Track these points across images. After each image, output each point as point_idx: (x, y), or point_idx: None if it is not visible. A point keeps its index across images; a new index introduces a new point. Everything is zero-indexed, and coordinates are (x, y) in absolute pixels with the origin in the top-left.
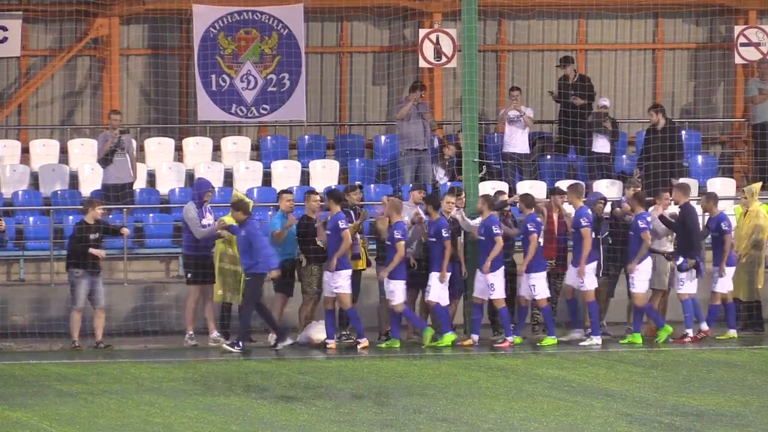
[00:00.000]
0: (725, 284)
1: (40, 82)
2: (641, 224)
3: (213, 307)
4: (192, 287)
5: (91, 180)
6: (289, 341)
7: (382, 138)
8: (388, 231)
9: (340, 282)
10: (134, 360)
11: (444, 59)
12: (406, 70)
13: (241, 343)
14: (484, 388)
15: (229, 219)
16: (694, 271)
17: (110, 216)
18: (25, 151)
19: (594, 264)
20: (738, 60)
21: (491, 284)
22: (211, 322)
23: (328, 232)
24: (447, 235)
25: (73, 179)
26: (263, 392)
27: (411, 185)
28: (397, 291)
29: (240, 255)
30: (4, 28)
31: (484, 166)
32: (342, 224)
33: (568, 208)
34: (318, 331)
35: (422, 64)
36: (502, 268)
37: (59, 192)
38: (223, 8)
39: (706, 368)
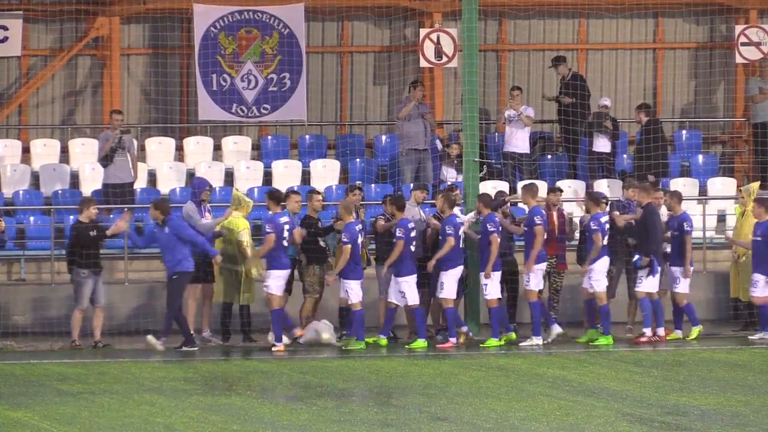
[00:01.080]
0: (687, 285)
1: (40, 81)
2: (593, 225)
3: (210, 307)
4: (191, 286)
5: (92, 179)
6: (195, 348)
7: (383, 138)
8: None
9: (269, 282)
10: (135, 360)
11: (445, 59)
12: (407, 70)
13: (164, 339)
14: (484, 387)
15: (230, 220)
16: (646, 271)
17: (111, 216)
18: (26, 150)
19: (603, 262)
20: (738, 59)
21: (484, 284)
22: (206, 321)
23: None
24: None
25: (74, 179)
26: (264, 392)
27: (412, 185)
28: (354, 291)
29: (163, 255)
30: (5, 28)
31: (484, 166)
32: (268, 228)
33: (568, 208)
34: (319, 331)
35: (423, 63)
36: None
37: (60, 192)
38: (224, 8)
39: (707, 368)
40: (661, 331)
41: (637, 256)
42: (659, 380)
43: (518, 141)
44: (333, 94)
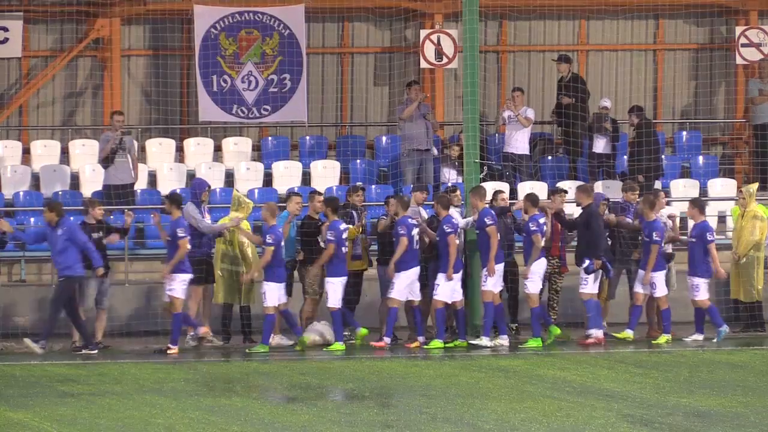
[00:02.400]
0: (645, 287)
1: (41, 82)
2: (532, 227)
3: (210, 307)
4: (192, 288)
5: (92, 181)
6: (94, 352)
7: (384, 139)
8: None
9: (173, 285)
10: (135, 361)
11: (445, 60)
12: (408, 71)
13: (43, 342)
14: (485, 388)
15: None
16: (596, 274)
17: (111, 217)
18: (26, 151)
19: (541, 264)
20: (739, 61)
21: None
22: (205, 321)
23: (169, 239)
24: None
25: (74, 180)
26: (264, 393)
27: (412, 186)
28: (333, 290)
29: (54, 257)
30: (5, 29)
31: (485, 167)
32: (180, 232)
33: (569, 209)
34: (320, 332)
35: (423, 64)
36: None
37: (60, 193)
38: (224, 9)
39: (708, 369)
40: (599, 334)
41: (587, 261)
42: (660, 381)
43: (518, 142)
44: (333, 95)
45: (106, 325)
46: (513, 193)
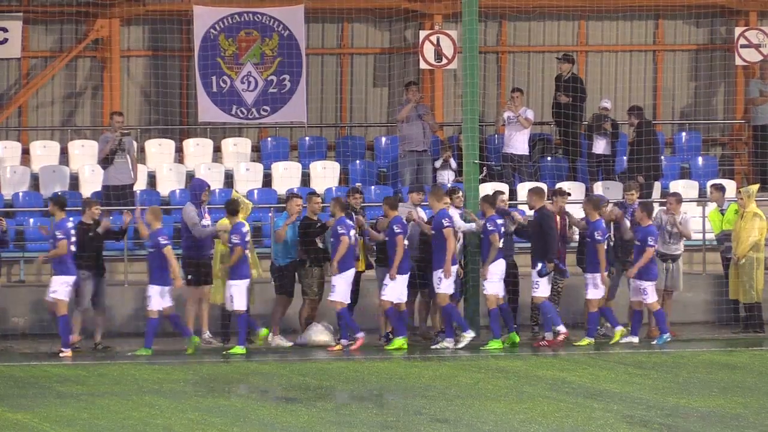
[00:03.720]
0: (599, 291)
1: (40, 83)
2: (489, 226)
3: (208, 308)
4: (191, 289)
5: (92, 181)
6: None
7: (383, 140)
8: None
9: (55, 287)
10: (134, 361)
11: (445, 61)
12: (407, 71)
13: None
14: (484, 389)
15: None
16: (549, 277)
17: (110, 217)
18: (26, 152)
19: (500, 264)
20: (738, 62)
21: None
22: (205, 323)
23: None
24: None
25: (74, 180)
26: (264, 394)
27: (409, 187)
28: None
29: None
30: (5, 30)
31: (484, 168)
32: (59, 234)
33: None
34: (318, 333)
35: (423, 65)
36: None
37: (60, 193)
38: (224, 9)
39: (707, 370)
40: (549, 336)
41: (540, 264)
42: (659, 382)
43: (517, 143)
44: (333, 96)
45: (105, 325)
46: (513, 194)
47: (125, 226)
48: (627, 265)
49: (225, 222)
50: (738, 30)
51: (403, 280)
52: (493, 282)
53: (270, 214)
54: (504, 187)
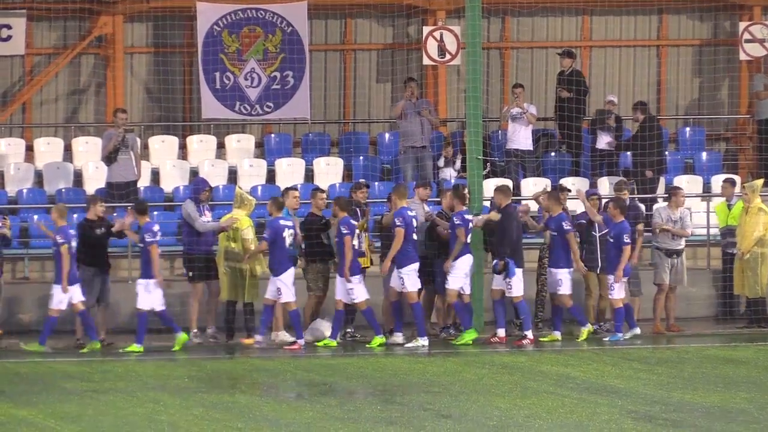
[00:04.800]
0: (569, 287)
1: (44, 80)
2: (456, 221)
3: (214, 304)
4: (193, 284)
5: (96, 178)
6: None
7: (387, 135)
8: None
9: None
10: (139, 358)
11: (448, 57)
12: (410, 67)
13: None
14: (488, 385)
15: (235, 216)
16: (503, 275)
17: (114, 214)
18: (30, 149)
19: (466, 260)
20: (743, 56)
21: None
22: (210, 319)
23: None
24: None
25: (78, 177)
26: (268, 390)
27: (415, 182)
28: (286, 289)
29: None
30: (9, 27)
31: (488, 164)
32: (60, 239)
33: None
34: (323, 329)
35: (426, 61)
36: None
37: (63, 190)
38: (227, 6)
39: (712, 365)
40: (501, 332)
41: (494, 261)
42: (663, 377)
43: (521, 138)
44: (336, 92)
45: (110, 322)
46: (516, 190)
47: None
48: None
49: (228, 217)
50: (742, 25)
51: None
52: (457, 277)
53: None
54: (507, 183)
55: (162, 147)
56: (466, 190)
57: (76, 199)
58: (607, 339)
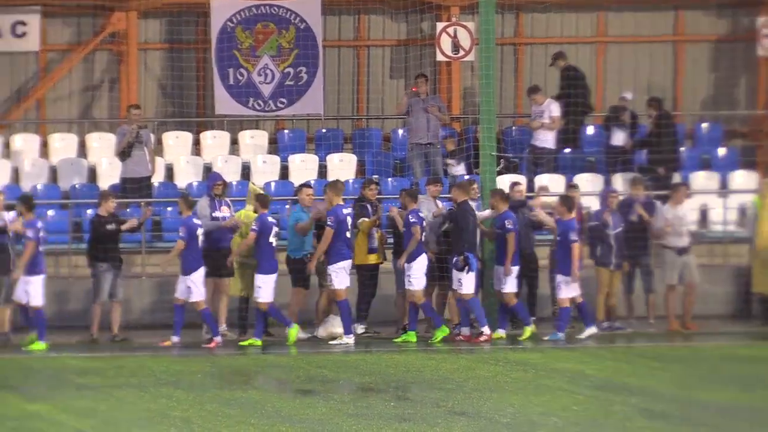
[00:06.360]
0: (513, 284)
1: (58, 76)
2: (411, 219)
3: (225, 300)
4: (208, 280)
5: (110, 174)
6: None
7: (400, 131)
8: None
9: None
10: (152, 354)
11: (462, 53)
12: (424, 63)
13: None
14: (502, 382)
15: (245, 213)
16: (466, 269)
17: (128, 210)
18: (44, 145)
19: (422, 260)
20: (761, 52)
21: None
22: (222, 315)
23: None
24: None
25: (92, 173)
26: (281, 386)
27: (426, 179)
28: (265, 287)
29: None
30: (23, 23)
31: (501, 160)
32: (30, 233)
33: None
34: (336, 325)
35: (440, 57)
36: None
37: (78, 186)
38: (241, 2)
39: (729, 363)
40: (486, 330)
41: (455, 258)
42: (679, 375)
43: (547, 136)
44: (349, 87)
45: (123, 317)
46: (530, 186)
47: (142, 220)
48: (636, 258)
49: (242, 213)
50: (761, 20)
51: (514, 272)
52: (417, 277)
53: (287, 207)
54: (521, 179)
55: (176, 143)
56: (475, 185)
57: (90, 194)
58: (547, 338)
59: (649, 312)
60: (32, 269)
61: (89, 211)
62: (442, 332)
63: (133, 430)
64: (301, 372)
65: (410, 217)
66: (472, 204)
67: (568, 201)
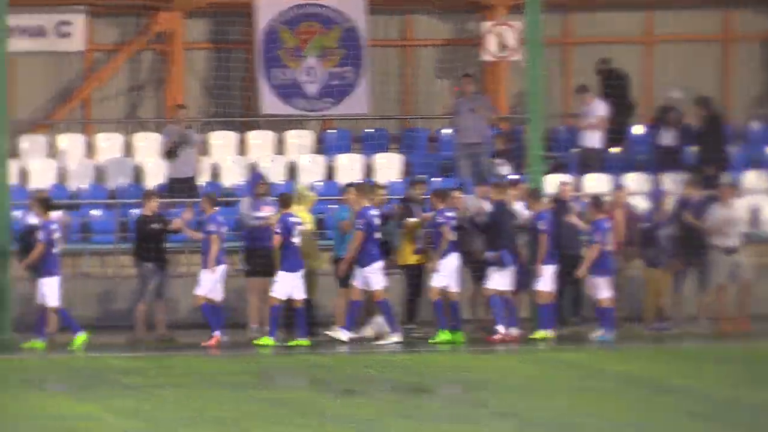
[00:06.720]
0: (546, 283)
1: (104, 76)
2: (440, 219)
3: (267, 300)
4: (251, 280)
5: (155, 173)
6: None
7: (446, 131)
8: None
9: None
10: (198, 353)
11: (508, 52)
12: (470, 63)
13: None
14: (548, 382)
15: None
16: (503, 265)
17: (175, 210)
18: (89, 145)
19: (453, 259)
20: None
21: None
22: (254, 315)
23: None
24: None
25: (138, 173)
26: (327, 386)
27: (473, 179)
28: (281, 283)
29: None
30: (69, 23)
31: (549, 160)
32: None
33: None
34: (380, 325)
35: (486, 57)
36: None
37: (124, 186)
38: (286, 2)
39: None
40: (513, 331)
41: (489, 254)
42: (729, 376)
43: (593, 135)
44: (395, 88)
45: (168, 317)
46: (579, 187)
47: (182, 225)
48: (689, 258)
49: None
50: None
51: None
52: (443, 275)
53: (333, 206)
54: (568, 179)
55: (221, 143)
56: (523, 186)
57: (135, 194)
58: (594, 338)
59: (701, 312)
60: (46, 270)
61: (135, 211)
62: (445, 335)
63: (178, 429)
64: (347, 372)
65: (438, 217)
66: (520, 204)
67: (596, 202)
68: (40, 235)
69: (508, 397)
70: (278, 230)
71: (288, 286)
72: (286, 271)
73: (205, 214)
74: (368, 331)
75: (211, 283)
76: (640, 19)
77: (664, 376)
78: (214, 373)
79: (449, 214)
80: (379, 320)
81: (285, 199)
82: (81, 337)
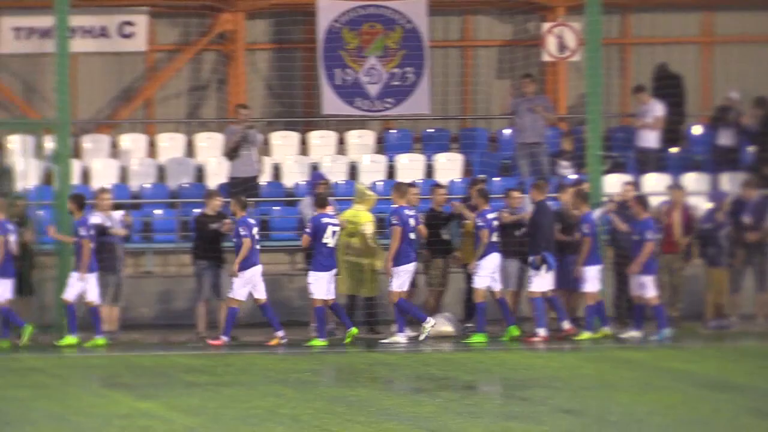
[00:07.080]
0: (592, 284)
1: (166, 76)
2: (479, 222)
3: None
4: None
5: (217, 173)
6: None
7: (507, 131)
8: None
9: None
10: (260, 351)
11: (568, 53)
12: (530, 63)
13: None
14: (609, 380)
15: (352, 213)
16: (544, 268)
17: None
18: (152, 144)
19: (492, 259)
20: None
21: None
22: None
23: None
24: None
25: (199, 172)
26: (389, 384)
27: (529, 179)
28: (316, 284)
29: None
30: (131, 23)
31: (608, 160)
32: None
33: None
34: (442, 323)
35: (546, 57)
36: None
37: (186, 185)
38: (348, 3)
39: None
40: (566, 325)
41: (531, 258)
42: None
43: (649, 135)
44: (456, 88)
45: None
46: (638, 187)
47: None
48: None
49: (347, 214)
50: None
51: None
52: (483, 277)
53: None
54: (630, 179)
55: (283, 143)
56: (587, 185)
57: (197, 194)
58: (653, 337)
59: (759, 310)
60: (87, 267)
61: (196, 210)
62: (480, 338)
63: (242, 427)
64: (408, 370)
65: (478, 220)
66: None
67: (643, 200)
68: (82, 232)
69: (569, 394)
70: (308, 230)
71: (324, 285)
72: (318, 270)
73: (235, 216)
74: (444, 327)
75: (241, 287)
76: (698, 19)
77: (726, 374)
78: (278, 371)
79: (490, 216)
80: (446, 315)
81: (320, 200)
82: (72, 340)
